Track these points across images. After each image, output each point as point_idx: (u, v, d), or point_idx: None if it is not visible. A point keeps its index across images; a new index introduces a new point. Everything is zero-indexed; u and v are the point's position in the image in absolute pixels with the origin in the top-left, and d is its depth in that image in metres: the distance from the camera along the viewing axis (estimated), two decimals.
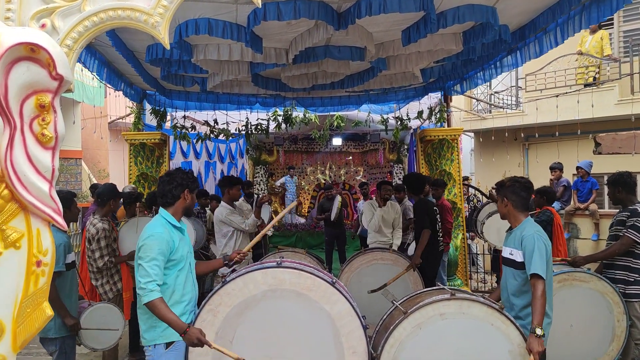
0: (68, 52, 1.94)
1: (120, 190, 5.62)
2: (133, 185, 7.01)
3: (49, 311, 1.94)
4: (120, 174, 13.19)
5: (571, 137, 9.91)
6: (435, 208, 5.99)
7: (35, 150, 1.84)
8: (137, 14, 1.99)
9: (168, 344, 3.03)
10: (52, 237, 1.94)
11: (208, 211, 7.76)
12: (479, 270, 9.67)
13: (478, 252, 9.84)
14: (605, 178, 4.87)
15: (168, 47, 2.11)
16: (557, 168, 8.74)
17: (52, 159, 1.89)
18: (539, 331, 2.99)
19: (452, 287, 3.52)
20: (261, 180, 13.63)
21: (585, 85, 10.42)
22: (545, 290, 3.12)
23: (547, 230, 4.67)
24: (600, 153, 6.54)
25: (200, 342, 2.86)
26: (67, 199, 4.07)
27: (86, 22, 1.97)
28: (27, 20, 1.90)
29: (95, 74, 5.56)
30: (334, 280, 3.18)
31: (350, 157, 15.21)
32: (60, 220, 1.93)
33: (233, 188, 5.74)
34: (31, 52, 1.78)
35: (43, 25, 1.92)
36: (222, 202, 5.82)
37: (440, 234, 5.99)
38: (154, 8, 2.00)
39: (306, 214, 14.27)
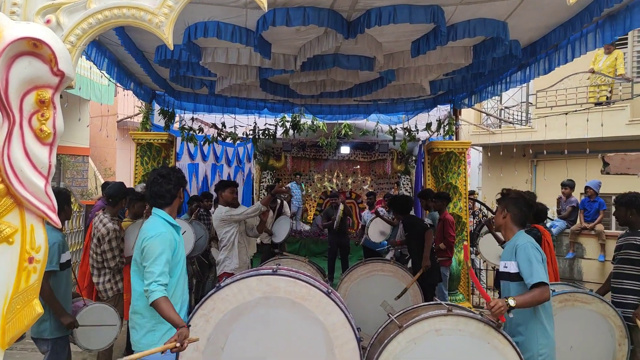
0: (71, 48, 1.95)
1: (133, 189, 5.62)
2: (144, 184, 6.93)
3: (38, 309, 1.93)
4: (126, 172, 13.25)
5: (580, 156, 9.82)
6: (425, 224, 6.10)
7: (33, 145, 1.84)
8: (141, 13, 1.99)
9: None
10: (46, 234, 1.93)
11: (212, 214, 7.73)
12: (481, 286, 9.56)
13: (481, 268, 9.72)
14: (613, 198, 4.77)
15: (172, 47, 2.10)
16: (568, 185, 8.63)
17: (50, 155, 1.88)
18: (511, 302, 2.96)
19: (449, 303, 3.47)
20: (268, 185, 13.62)
21: (596, 104, 10.33)
22: (548, 296, 3.06)
23: None
24: (608, 173, 6.46)
25: (184, 339, 2.65)
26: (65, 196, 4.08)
27: (91, 19, 1.97)
28: (33, 16, 1.90)
29: (105, 72, 5.56)
30: (330, 290, 3.15)
31: (358, 166, 15.13)
32: (55, 217, 1.92)
33: (225, 190, 5.76)
34: (34, 47, 1.78)
35: (48, 21, 1.92)
36: (218, 205, 5.87)
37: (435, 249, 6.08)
38: (159, 8, 2.00)
39: (311, 221, 14.23)
